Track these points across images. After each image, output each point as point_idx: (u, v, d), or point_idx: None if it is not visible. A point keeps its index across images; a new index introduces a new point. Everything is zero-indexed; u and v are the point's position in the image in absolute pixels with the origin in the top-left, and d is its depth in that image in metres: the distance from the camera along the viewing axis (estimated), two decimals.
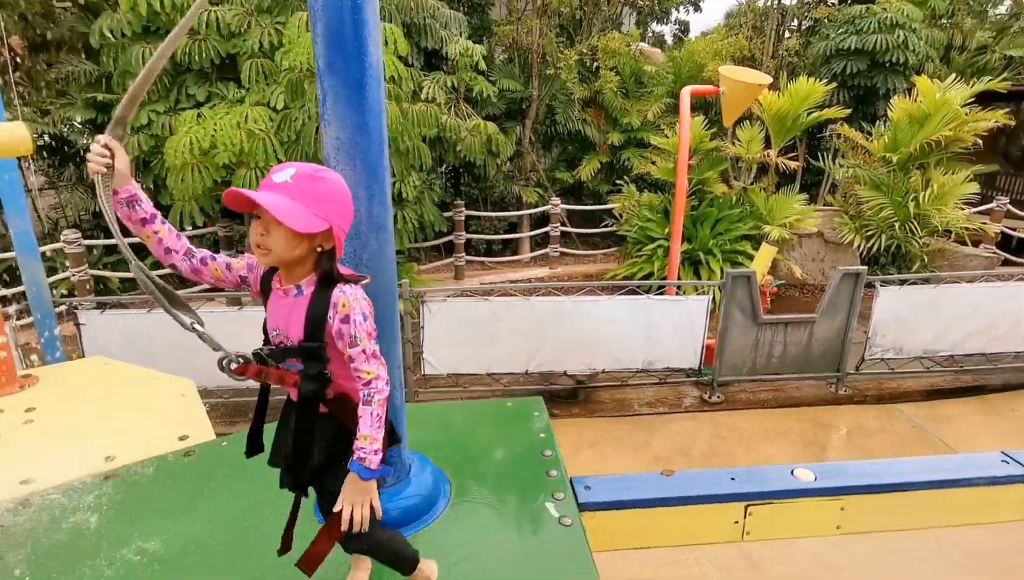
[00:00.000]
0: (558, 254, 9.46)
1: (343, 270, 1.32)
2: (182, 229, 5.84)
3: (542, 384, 5.43)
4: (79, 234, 6.61)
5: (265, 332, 1.37)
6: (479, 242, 9.53)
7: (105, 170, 1.17)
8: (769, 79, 6.29)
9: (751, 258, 7.26)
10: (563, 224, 9.51)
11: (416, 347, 5.12)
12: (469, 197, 9.74)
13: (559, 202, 9.27)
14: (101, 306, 4.85)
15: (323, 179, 1.24)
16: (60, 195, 8.77)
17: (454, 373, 5.25)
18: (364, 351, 1.25)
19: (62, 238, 6.35)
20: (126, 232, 1.20)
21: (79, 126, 8.11)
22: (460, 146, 7.26)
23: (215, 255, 1.34)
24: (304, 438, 1.36)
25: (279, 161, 5.41)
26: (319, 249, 1.26)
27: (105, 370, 2.99)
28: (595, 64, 10.02)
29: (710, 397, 5.49)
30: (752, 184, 8.49)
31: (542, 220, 9.75)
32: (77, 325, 4.75)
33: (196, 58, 5.78)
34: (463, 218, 8.51)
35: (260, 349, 1.31)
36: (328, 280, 1.27)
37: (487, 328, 5.11)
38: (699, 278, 7.60)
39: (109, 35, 5.82)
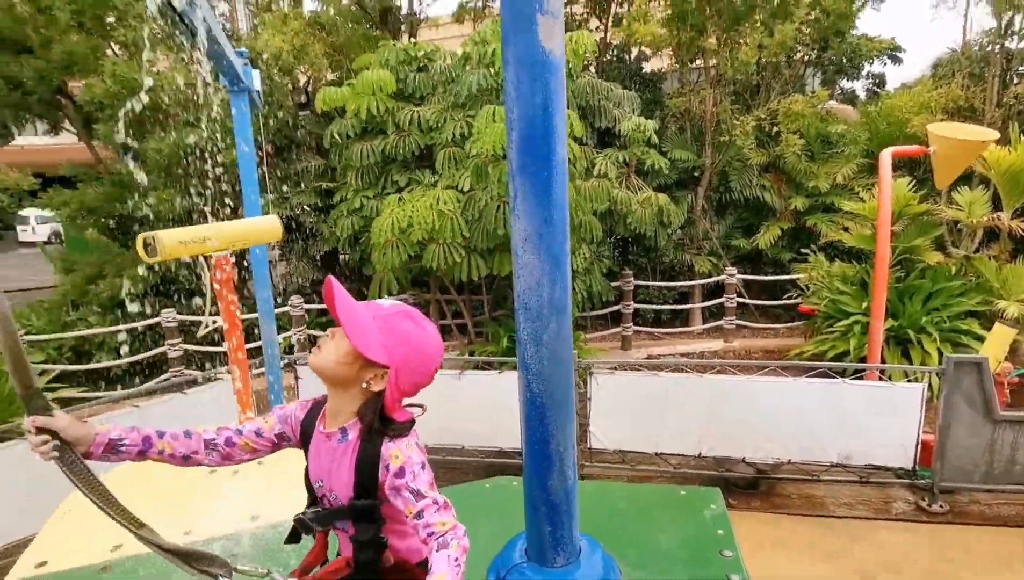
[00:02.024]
0: (734, 326, 8.89)
1: (396, 413, 1.21)
2: (379, 297, 6.66)
3: (716, 470, 5.03)
4: (302, 299, 7.85)
5: (309, 489, 1.25)
6: (647, 312, 9.37)
7: (57, 453, 1.04)
8: (995, 134, 5.47)
9: (980, 339, 6.14)
10: (739, 294, 8.97)
11: (582, 419, 5.11)
12: (637, 266, 9.69)
13: (735, 271, 8.80)
14: None
15: (411, 324, 1.19)
16: (289, 265, 10.54)
17: (620, 450, 5.11)
18: (435, 502, 1.11)
19: (289, 303, 7.59)
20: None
21: (308, 209, 9.79)
22: (631, 218, 7.34)
23: (240, 429, 1.27)
24: None
25: (464, 238, 5.97)
26: (366, 385, 1.16)
27: None
28: (775, 129, 9.59)
29: (929, 505, 4.61)
30: (977, 252, 7.27)
31: (715, 290, 9.31)
32: (296, 378, 5.58)
33: (401, 151, 6.73)
34: (632, 288, 8.47)
35: (304, 514, 1.21)
36: (374, 428, 1.17)
37: (656, 404, 4.94)
38: (909, 361, 6.57)
39: (337, 137, 7.05)
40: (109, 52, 9.30)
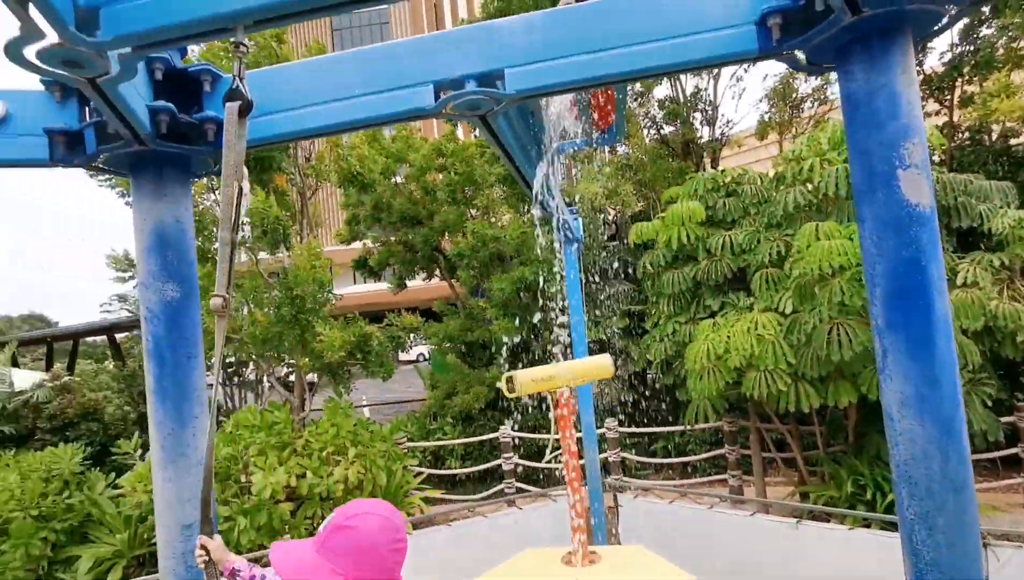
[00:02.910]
0: None
1: None
2: (696, 423, 6.48)
3: None
4: (616, 422, 8.14)
5: None
6: None
7: (203, 564, 1.45)
8: None
9: None
10: None
11: None
12: None
13: None
14: (630, 489, 5.70)
15: (348, 529, 1.30)
16: (599, 385, 11.13)
17: None
18: None
19: (605, 425, 7.94)
20: None
21: (618, 332, 10.38)
22: (1021, 335, 5.74)
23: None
24: None
25: (789, 364, 5.49)
26: None
27: (645, 562, 3.42)
28: None
29: None
30: None
31: None
32: (616, 502, 5.68)
33: (712, 275, 6.75)
34: None
35: None
36: None
37: None
38: None
39: (649, 266, 7.48)
40: (471, 213, 11.91)
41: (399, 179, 12.37)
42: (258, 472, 6.54)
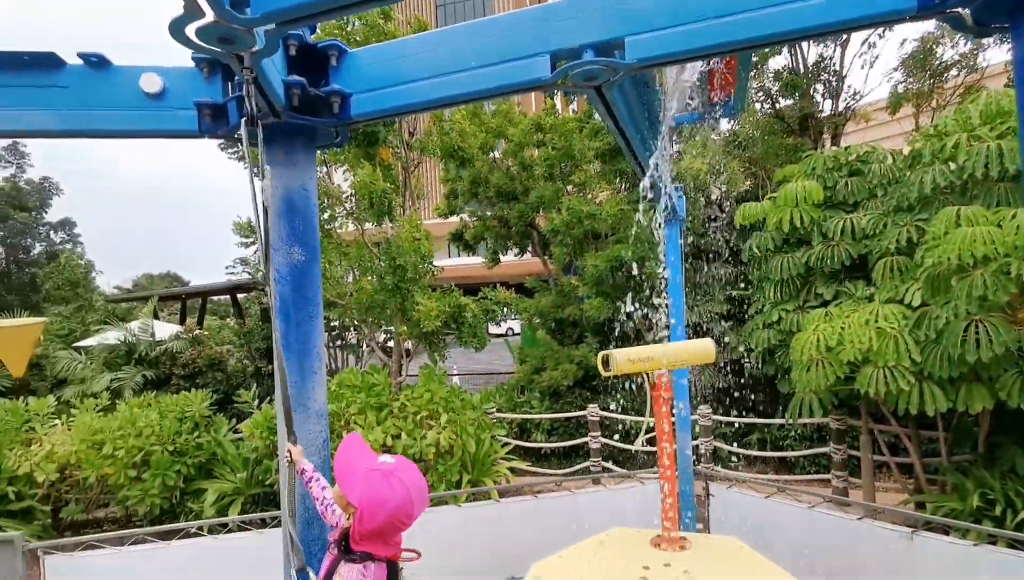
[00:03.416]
0: None
1: (371, 546, 1.62)
2: (799, 417, 6.11)
3: None
4: (709, 409, 7.87)
5: None
6: None
7: (287, 463, 1.77)
8: None
9: None
10: None
11: None
12: None
13: None
14: (724, 479, 5.50)
15: (387, 482, 1.59)
16: (693, 372, 10.77)
17: None
18: None
19: (698, 412, 7.70)
20: None
21: (715, 317, 9.95)
22: None
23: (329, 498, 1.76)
24: None
25: (912, 362, 5.02)
26: (349, 518, 1.59)
27: (740, 555, 3.30)
28: None
29: None
30: None
31: None
32: (706, 490, 5.51)
33: (828, 262, 6.26)
34: None
35: None
36: (343, 549, 1.62)
37: None
38: None
39: (756, 250, 7.06)
40: (567, 190, 11.80)
41: (497, 155, 12.46)
42: (358, 429, 6.98)
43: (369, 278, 8.36)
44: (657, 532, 3.73)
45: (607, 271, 9.92)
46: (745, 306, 9.23)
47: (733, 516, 5.09)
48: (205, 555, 4.70)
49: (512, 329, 29.11)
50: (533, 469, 9.36)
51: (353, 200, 8.85)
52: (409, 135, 9.30)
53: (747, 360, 10.61)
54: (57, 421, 8.07)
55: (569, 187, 11.89)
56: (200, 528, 5.11)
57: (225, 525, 5.24)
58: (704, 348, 3.44)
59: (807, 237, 6.66)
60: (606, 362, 3.40)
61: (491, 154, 12.29)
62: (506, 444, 9.02)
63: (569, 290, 11.27)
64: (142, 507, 7.24)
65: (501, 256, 14.37)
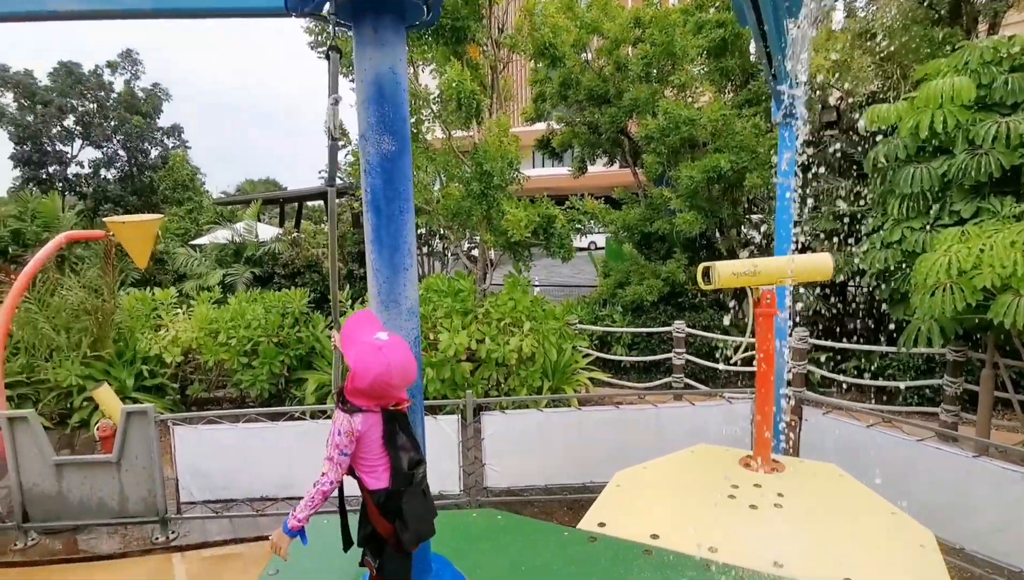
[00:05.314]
0: None
1: (359, 401, 1.88)
2: (913, 346, 5.59)
3: None
4: (807, 332, 7.40)
5: None
6: None
7: (335, 349, 2.03)
8: None
9: None
10: None
11: None
12: None
13: None
14: (818, 404, 5.21)
15: (379, 351, 1.83)
16: (792, 293, 10.13)
17: None
18: (329, 456, 1.84)
19: (794, 334, 7.27)
20: None
21: (821, 235, 9.14)
22: None
23: None
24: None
25: None
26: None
27: (839, 483, 3.12)
28: None
29: None
30: None
31: None
32: (800, 415, 5.27)
33: (971, 174, 5.42)
34: None
35: None
36: (339, 400, 1.90)
37: None
38: None
39: (883, 160, 6.25)
40: (667, 94, 10.91)
41: (590, 55, 11.62)
42: (444, 332, 7.19)
43: (456, 185, 8.27)
44: (746, 452, 3.61)
45: (703, 182, 9.26)
46: (857, 224, 8.38)
47: (827, 443, 4.86)
48: (307, 437, 5.12)
49: (595, 242, 28.61)
50: (613, 381, 9.39)
51: (439, 102, 8.61)
52: (498, 31, 8.77)
53: (852, 283, 9.80)
54: (179, 310, 8.91)
55: (667, 90, 10.97)
56: (303, 413, 5.56)
57: (324, 411, 5.66)
58: (821, 263, 3.10)
59: (948, 145, 5.77)
60: (706, 274, 3.16)
61: (583, 55, 11.46)
62: (587, 355, 9.05)
63: (660, 202, 10.71)
64: (253, 390, 7.99)
65: (588, 165, 13.80)
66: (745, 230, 10.64)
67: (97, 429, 6.59)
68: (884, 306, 6.76)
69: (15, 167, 23.03)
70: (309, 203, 26.61)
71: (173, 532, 5.31)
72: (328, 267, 12.75)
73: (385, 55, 2.03)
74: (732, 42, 10.15)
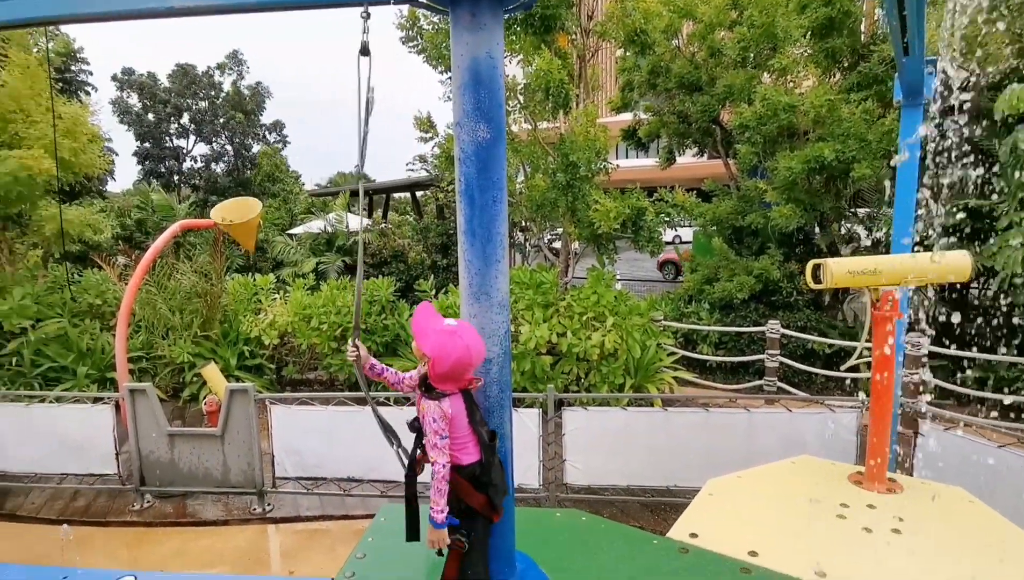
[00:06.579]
0: None
1: (443, 386, 1.89)
2: None
3: None
4: (922, 338, 6.72)
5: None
6: None
7: (354, 360, 2.00)
8: None
9: None
10: None
11: None
12: None
13: None
14: (936, 418, 4.70)
15: (452, 338, 1.86)
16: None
17: None
18: (433, 443, 1.87)
19: (905, 340, 6.61)
20: None
21: (939, 230, 8.25)
22: None
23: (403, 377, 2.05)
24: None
25: None
26: (425, 365, 1.89)
27: (970, 509, 2.77)
28: None
29: None
30: None
31: None
32: (916, 431, 4.78)
33: None
34: None
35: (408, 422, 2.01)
36: (422, 390, 1.94)
37: None
38: None
39: (1021, 148, 5.53)
40: (765, 79, 10.26)
41: (681, 41, 11.13)
42: (525, 325, 7.15)
43: (540, 176, 8.19)
44: (854, 467, 3.30)
45: (803, 174, 8.63)
46: (986, 220, 7.49)
47: (948, 462, 4.37)
48: (392, 422, 5.24)
49: (680, 237, 27.65)
50: (698, 381, 9.01)
51: (524, 93, 8.55)
52: (588, 19, 8.56)
53: (975, 286, 8.81)
54: (276, 295, 9.46)
55: (765, 75, 10.31)
56: (387, 398, 5.71)
57: (408, 398, 5.79)
58: (959, 262, 2.75)
59: None
60: (816, 272, 2.89)
61: (674, 41, 10.99)
62: (671, 353, 8.73)
63: (754, 195, 10.11)
64: (342, 374, 8.34)
65: (677, 156, 13.28)
66: (849, 225, 9.83)
67: (205, 404, 7.12)
68: (1016, 311, 6.01)
69: (138, 163, 25.42)
70: (396, 195, 27.51)
71: (269, 504, 5.64)
72: (413, 257, 13.11)
73: (482, 40, 1.97)
74: (841, 20, 9.37)
